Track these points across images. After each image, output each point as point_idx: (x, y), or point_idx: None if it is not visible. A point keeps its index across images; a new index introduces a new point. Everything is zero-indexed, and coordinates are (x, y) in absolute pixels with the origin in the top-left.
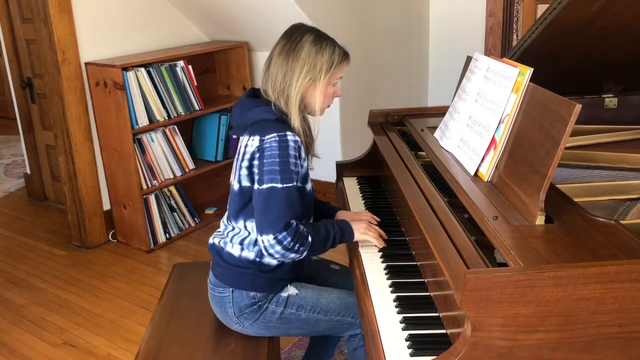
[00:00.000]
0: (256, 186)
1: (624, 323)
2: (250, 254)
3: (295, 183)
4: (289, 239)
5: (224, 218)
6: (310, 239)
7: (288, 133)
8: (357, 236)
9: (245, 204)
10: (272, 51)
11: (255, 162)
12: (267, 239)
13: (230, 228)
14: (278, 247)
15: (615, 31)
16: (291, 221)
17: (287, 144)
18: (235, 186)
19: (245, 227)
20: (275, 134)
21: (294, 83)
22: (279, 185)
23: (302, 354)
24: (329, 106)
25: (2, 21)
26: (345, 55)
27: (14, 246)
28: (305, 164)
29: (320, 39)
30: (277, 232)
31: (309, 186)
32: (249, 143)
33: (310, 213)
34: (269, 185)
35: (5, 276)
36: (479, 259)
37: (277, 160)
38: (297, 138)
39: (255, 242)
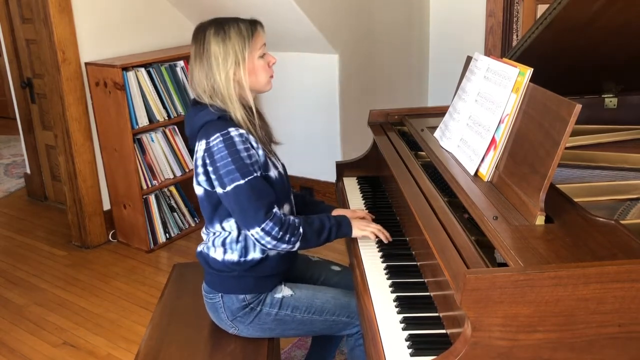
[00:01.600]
0: (220, 190)
1: (624, 323)
2: (233, 256)
3: (256, 174)
4: (277, 228)
5: (203, 228)
6: (302, 230)
7: (230, 129)
8: (356, 232)
9: (215, 207)
10: (189, 61)
11: (209, 168)
12: (255, 232)
13: (211, 234)
14: (268, 238)
15: (615, 31)
16: (274, 210)
17: (233, 141)
18: (199, 191)
19: (223, 228)
20: (218, 134)
21: (218, 79)
22: (242, 182)
23: (302, 354)
24: (272, 77)
25: (2, 21)
26: (252, 25)
27: (14, 246)
28: (261, 152)
29: (221, 25)
30: (262, 223)
31: (273, 173)
32: (198, 148)
33: (287, 197)
34: (232, 185)
35: (5, 276)
36: (479, 259)
37: (229, 159)
38: (242, 131)
39: (237, 240)
